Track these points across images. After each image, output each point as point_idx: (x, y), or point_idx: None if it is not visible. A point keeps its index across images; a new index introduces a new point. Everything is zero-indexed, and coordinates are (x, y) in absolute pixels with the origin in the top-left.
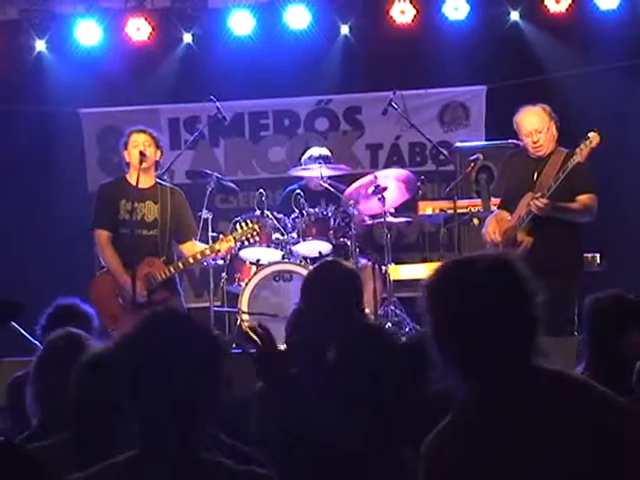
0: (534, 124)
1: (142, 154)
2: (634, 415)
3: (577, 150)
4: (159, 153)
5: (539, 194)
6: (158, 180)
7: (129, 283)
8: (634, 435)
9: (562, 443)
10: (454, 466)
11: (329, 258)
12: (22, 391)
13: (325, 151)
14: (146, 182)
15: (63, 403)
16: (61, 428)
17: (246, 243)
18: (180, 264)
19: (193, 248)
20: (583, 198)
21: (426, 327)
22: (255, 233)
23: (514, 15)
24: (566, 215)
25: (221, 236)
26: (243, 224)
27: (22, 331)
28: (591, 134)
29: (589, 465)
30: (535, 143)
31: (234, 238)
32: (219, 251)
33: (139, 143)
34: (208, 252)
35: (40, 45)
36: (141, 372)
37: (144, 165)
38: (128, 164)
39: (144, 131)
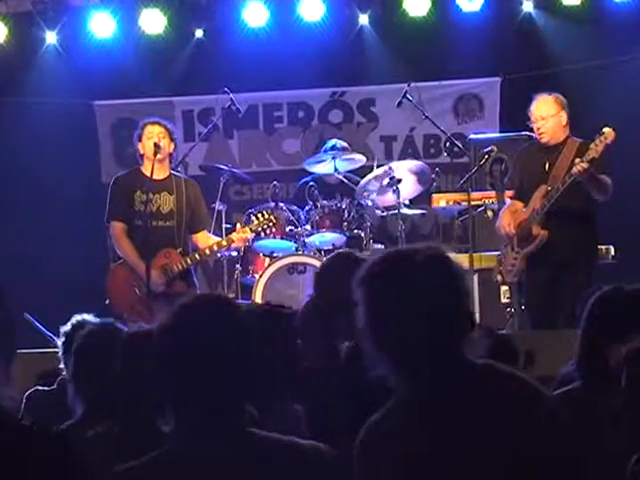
0: (539, 110)
1: (156, 146)
2: (559, 408)
3: (592, 145)
4: (173, 145)
5: (582, 163)
6: (173, 171)
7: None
8: (560, 428)
9: (489, 436)
10: (385, 458)
11: (343, 250)
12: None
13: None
14: (161, 173)
15: (105, 394)
16: (105, 418)
17: (262, 234)
18: (196, 255)
19: (206, 239)
20: (604, 177)
21: (359, 317)
22: (271, 224)
23: (527, 6)
24: (596, 183)
25: (238, 226)
26: (259, 215)
27: (36, 324)
28: (606, 129)
29: (517, 456)
30: (538, 129)
31: (250, 229)
32: (234, 242)
33: (153, 135)
34: (224, 243)
35: (53, 37)
36: (186, 357)
37: (158, 157)
38: (142, 156)
39: (158, 123)
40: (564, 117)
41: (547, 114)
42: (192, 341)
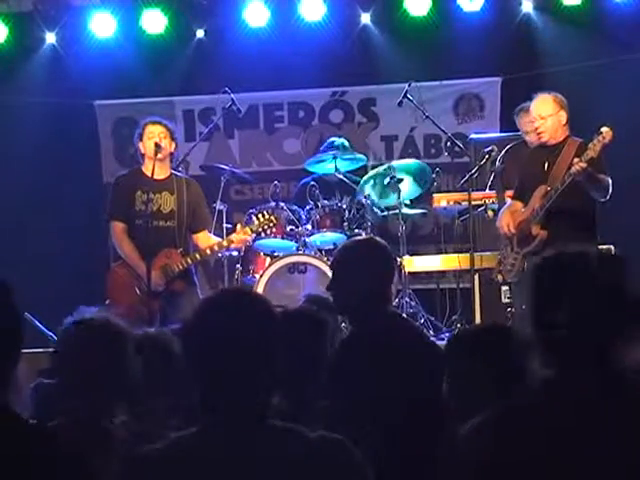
0: (538, 109)
1: (157, 145)
2: None
3: (590, 145)
4: (174, 145)
5: (580, 162)
6: (173, 171)
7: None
8: None
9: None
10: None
11: (363, 236)
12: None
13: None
14: (161, 173)
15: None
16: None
17: (263, 235)
18: (197, 255)
19: (206, 239)
20: (603, 176)
21: None
22: (272, 224)
23: (527, 6)
24: (595, 183)
25: (238, 227)
26: (260, 215)
27: (37, 323)
28: (604, 129)
29: None
30: (537, 129)
31: (251, 230)
32: (234, 243)
33: (154, 134)
34: (225, 243)
35: (53, 37)
36: (212, 350)
37: (159, 156)
38: (143, 155)
39: (159, 122)
40: (564, 116)
41: (546, 113)
42: (217, 333)
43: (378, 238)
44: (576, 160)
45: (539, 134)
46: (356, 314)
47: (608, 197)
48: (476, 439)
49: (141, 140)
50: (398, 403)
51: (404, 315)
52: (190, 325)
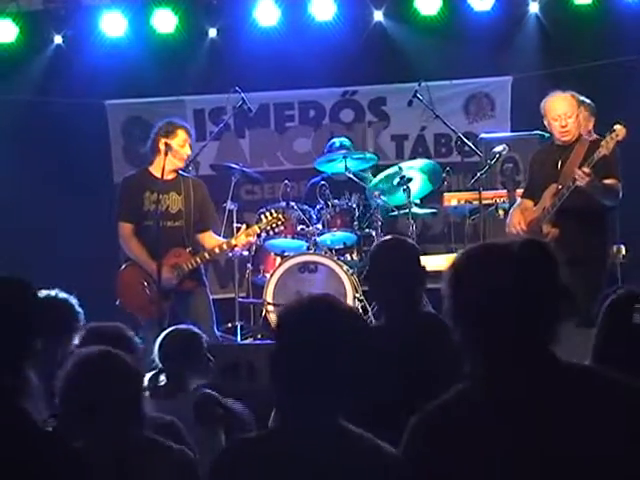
0: (564, 108)
1: (187, 157)
2: None
3: (603, 142)
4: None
5: (584, 169)
6: (180, 171)
7: (156, 271)
8: None
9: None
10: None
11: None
12: None
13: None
14: (169, 174)
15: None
16: None
17: (271, 233)
18: (206, 254)
19: (211, 239)
20: (610, 182)
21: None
22: (280, 222)
23: (536, 6)
24: (600, 192)
25: (242, 227)
26: (267, 214)
27: None
28: (617, 127)
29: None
30: (563, 127)
31: (259, 228)
32: (238, 245)
33: (186, 144)
34: (234, 242)
35: (64, 36)
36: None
37: (181, 165)
38: (157, 152)
39: (189, 131)
40: (582, 115)
41: (572, 112)
42: (302, 339)
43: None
44: (577, 170)
45: (564, 133)
46: (389, 311)
47: (617, 203)
48: (412, 440)
49: (167, 137)
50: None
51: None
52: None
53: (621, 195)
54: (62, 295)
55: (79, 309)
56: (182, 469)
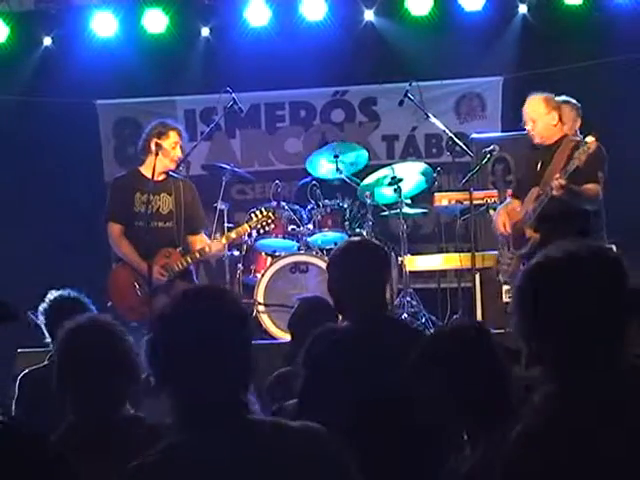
0: (527, 112)
1: (179, 158)
2: None
3: (575, 154)
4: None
5: (559, 179)
6: (170, 172)
7: (146, 271)
8: None
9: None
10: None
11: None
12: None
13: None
14: (160, 175)
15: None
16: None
17: (262, 231)
18: (197, 254)
19: (202, 240)
20: (589, 187)
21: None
22: (270, 221)
23: (524, 7)
24: (577, 199)
25: (217, 236)
26: (258, 212)
27: (39, 322)
28: (589, 139)
29: None
30: (530, 130)
31: (249, 226)
32: (233, 239)
33: (177, 145)
34: (224, 241)
35: (54, 36)
36: (181, 345)
37: (172, 166)
38: (149, 153)
39: (181, 133)
40: (555, 117)
41: (537, 115)
42: (187, 329)
43: (373, 239)
44: (556, 176)
45: (532, 136)
46: (351, 315)
47: (598, 206)
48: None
49: (159, 138)
50: (394, 404)
51: (403, 316)
52: (159, 319)
53: (601, 196)
54: (74, 294)
55: (92, 307)
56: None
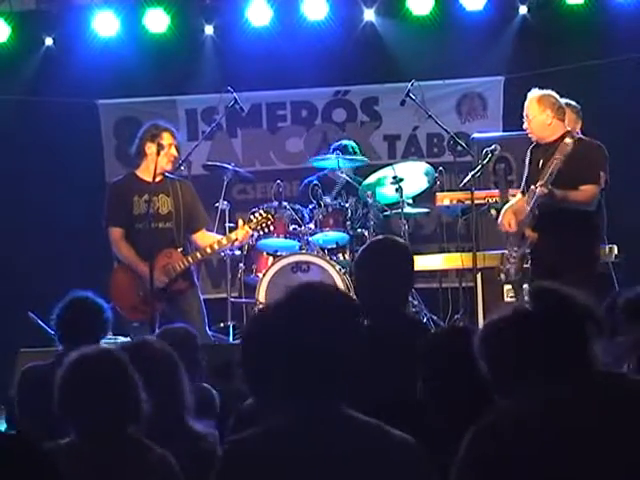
0: (525, 110)
1: (175, 158)
2: None
3: (556, 155)
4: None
5: (542, 187)
6: (166, 173)
7: (148, 272)
8: None
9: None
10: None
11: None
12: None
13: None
14: (157, 176)
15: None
16: None
17: (261, 233)
18: (198, 254)
19: (205, 237)
20: (585, 187)
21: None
22: (269, 222)
23: (525, 7)
24: (566, 202)
25: (240, 222)
26: (257, 214)
27: (40, 322)
28: (567, 139)
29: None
30: (526, 129)
31: (250, 227)
32: (235, 240)
33: (172, 147)
34: (225, 242)
35: (56, 36)
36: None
37: (169, 167)
38: (145, 156)
39: (174, 134)
40: (550, 115)
41: (532, 114)
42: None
43: (399, 239)
44: (539, 183)
45: (529, 134)
46: (376, 314)
47: (592, 207)
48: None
49: (153, 142)
50: (416, 404)
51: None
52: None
53: (599, 197)
54: (90, 295)
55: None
56: (163, 473)
